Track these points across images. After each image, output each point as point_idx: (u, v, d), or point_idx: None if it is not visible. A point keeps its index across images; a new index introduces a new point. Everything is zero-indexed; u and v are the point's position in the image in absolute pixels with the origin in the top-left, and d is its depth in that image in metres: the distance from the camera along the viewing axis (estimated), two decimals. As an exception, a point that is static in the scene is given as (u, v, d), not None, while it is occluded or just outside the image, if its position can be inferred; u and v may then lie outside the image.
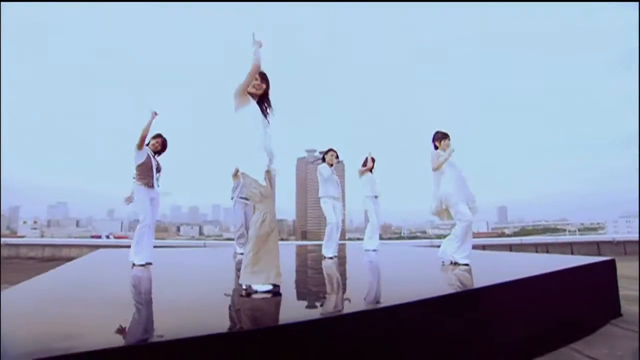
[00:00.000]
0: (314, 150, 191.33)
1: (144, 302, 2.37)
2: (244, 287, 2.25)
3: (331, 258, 4.53)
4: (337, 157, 5.14)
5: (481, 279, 2.82)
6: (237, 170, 5.40)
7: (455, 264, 3.51)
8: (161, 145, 4.04)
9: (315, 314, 1.89)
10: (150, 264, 3.81)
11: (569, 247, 10.26)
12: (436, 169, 3.72)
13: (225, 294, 2.42)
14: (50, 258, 11.13)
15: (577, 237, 12.69)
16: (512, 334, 2.44)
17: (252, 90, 2.39)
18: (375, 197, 5.78)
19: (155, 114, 3.75)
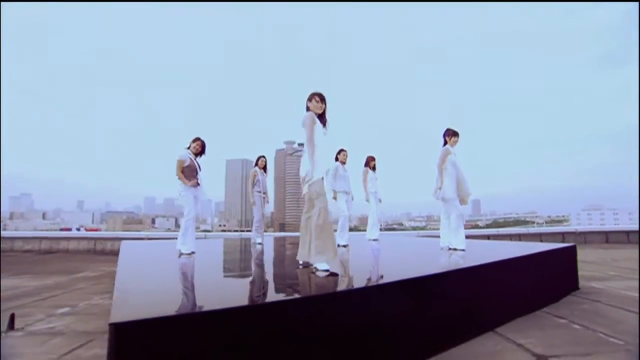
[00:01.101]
0: (293, 142, 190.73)
1: (238, 274, 3.01)
2: (303, 264, 2.93)
3: (345, 246, 5.25)
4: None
5: (475, 260, 3.60)
6: (262, 164, 5.98)
7: (454, 249, 4.31)
8: (201, 147, 4.59)
9: (365, 284, 2.59)
10: (194, 252, 4.39)
11: (539, 238, 11.46)
12: (440, 165, 4.47)
13: (298, 267, 3.05)
14: (48, 250, 11.28)
15: (546, 229, 14.05)
16: (501, 301, 3.24)
17: (315, 110, 3.04)
18: (375, 192, 6.52)
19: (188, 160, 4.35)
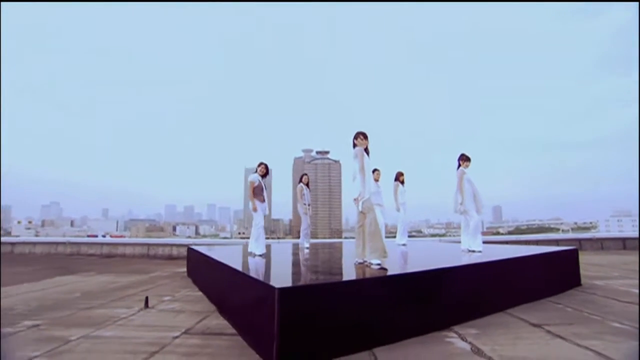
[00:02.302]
0: (311, 150, 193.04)
1: (327, 265, 4.13)
2: (360, 261, 4.01)
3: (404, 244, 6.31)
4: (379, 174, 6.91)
5: (489, 258, 4.58)
6: (305, 181, 7.11)
7: (473, 251, 5.30)
8: (265, 170, 5.77)
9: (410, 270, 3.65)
10: (264, 254, 5.54)
11: (556, 244, 12.11)
12: (459, 184, 5.50)
13: (356, 263, 4.13)
14: (108, 255, 12.78)
15: (564, 235, 14.63)
16: (510, 289, 4.22)
17: (361, 145, 4.16)
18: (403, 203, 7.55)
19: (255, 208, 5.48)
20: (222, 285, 4.33)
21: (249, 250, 5.56)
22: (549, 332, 3.21)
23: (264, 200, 5.60)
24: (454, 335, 3.17)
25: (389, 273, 3.47)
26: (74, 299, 5.20)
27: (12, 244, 13.52)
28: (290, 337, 2.50)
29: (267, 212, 5.71)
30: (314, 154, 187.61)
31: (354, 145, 4.25)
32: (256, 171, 5.76)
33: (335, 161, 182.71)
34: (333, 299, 2.79)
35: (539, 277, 4.67)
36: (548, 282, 4.76)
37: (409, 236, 8.65)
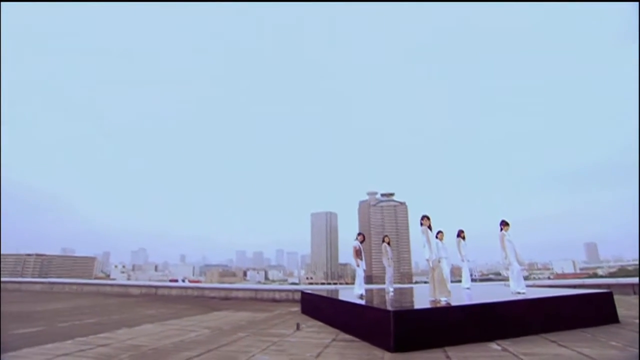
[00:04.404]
0: (375, 193, 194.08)
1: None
2: (433, 299, 6.29)
3: (468, 288, 8.39)
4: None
5: (539, 295, 6.46)
6: (387, 241, 9.57)
7: (518, 292, 7.18)
8: (363, 238, 8.42)
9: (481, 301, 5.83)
10: (364, 294, 8.00)
11: None
12: (502, 245, 7.54)
13: (430, 300, 6.43)
14: (226, 297, 16.14)
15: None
16: (545, 320, 6.09)
17: (426, 224, 6.63)
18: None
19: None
20: (345, 314, 6.89)
21: (355, 292, 8.12)
22: (560, 345, 5.13)
23: (362, 259, 8.20)
24: (496, 345, 5.26)
25: (453, 304, 5.74)
26: (246, 324, 8.10)
27: (156, 287, 17.70)
28: (401, 340, 4.93)
29: (365, 267, 8.28)
30: (378, 196, 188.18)
31: (421, 224, 6.73)
32: (356, 239, 8.46)
33: (401, 203, 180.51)
34: (424, 317, 5.18)
35: (568, 312, 6.42)
36: (576, 317, 6.45)
37: (481, 280, 10.46)
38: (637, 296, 11.58)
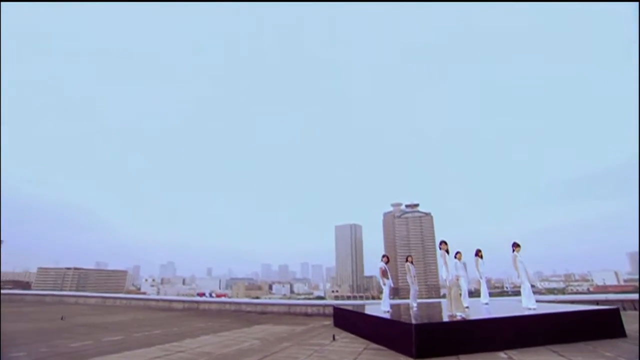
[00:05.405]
0: (400, 204, 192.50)
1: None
2: (450, 314, 7.31)
3: (467, 307, 9.29)
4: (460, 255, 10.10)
5: (547, 311, 7.33)
6: (410, 260, 10.66)
7: (529, 308, 8.04)
8: (387, 259, 9.53)
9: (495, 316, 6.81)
10: (390, 311, 9.07)
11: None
12: (514, 265, 8.45)
13: (448, 315, 7.45)
14: (262, 312, 17.47)
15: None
16: (550, 333, 6.96)
17: (445, 250, 7.71)
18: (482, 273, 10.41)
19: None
20: (374, 327, 8.01)
21: (381, 308, 9.20)
22: (560, 355, 6.04)
23: (388, 278, 9.31)
24: (503, 354, 6.23)
25: (466, 319, 6.77)
26: (288, 336, 9.35)
27: (197, 302, 19.32)
28: (421, 349, 6.03)
29: (392, 285, 9.39)
30: (403, 207, 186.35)
31: (440, 248, 7.82)
32: (382, 260, 9.60)
33: (426, 214, 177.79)
34: (442, 329, 6.26)
35: (574, 327, 7.24)
36: (582, 331, 7.26)
37: (511, 294, 11.22)
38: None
